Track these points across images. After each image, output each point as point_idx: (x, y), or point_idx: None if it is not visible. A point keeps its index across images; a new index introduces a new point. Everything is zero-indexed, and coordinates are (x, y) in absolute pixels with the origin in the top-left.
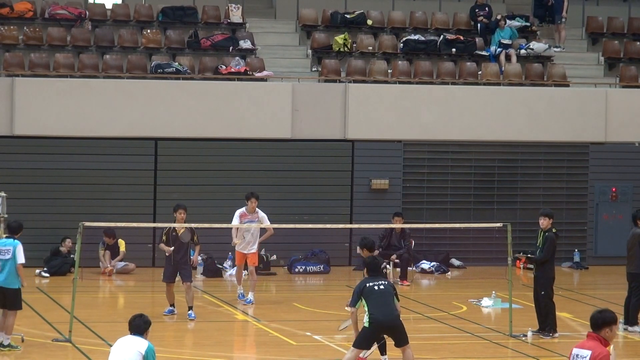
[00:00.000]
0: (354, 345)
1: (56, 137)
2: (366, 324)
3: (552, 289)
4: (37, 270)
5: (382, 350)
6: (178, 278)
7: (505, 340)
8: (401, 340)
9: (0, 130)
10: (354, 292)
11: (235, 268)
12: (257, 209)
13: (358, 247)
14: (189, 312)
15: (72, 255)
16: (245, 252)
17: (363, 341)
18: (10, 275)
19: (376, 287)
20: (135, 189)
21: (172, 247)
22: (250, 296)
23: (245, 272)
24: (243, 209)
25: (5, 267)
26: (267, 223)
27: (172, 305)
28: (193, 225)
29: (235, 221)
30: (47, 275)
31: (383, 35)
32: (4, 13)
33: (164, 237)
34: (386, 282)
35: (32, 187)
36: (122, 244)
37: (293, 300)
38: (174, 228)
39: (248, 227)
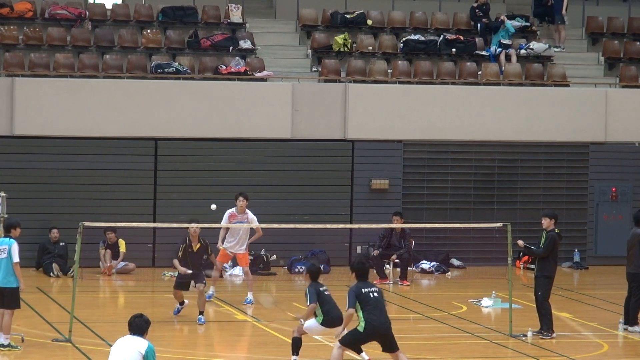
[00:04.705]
0: (342, 343)
1: (56, 137)
2: (360, 329)
3: (550, 290)
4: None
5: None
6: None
7: (505, 340)
8: (392, 346)
9: (0, 130)
10: (350, 294)
11: (235, 268)
12: (247, 210)
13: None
14: (199, 316)
15: (61, 244)
16: (233, 251)
17: (352, 343)
18: (7, 274)
19: (371, 295)
20: (135, 189)
21: (190, 272)
22: (249, 296)
23: (236, 272)
24: (233, 210)
25: (1, 266)
26: (256, 224)
27: (182, 303)
28: (193, 225)
29: (225, 222)
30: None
31: (383, 35)
32: (4, 13)
33: (180, 254)
34: (377, 289)
35: (32, 187)
36: (122, 244)
37: (293, 300)
38: (191, 245)
39: (239, 227)
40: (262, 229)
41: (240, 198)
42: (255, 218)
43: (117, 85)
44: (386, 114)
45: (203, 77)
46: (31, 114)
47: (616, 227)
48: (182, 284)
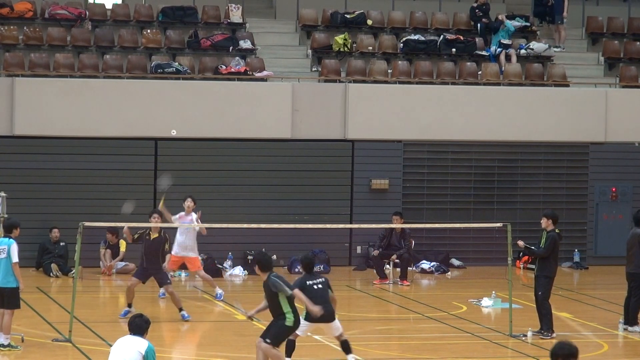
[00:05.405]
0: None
1: (56, 137)
2: (290, 324)
3: (550, 290)
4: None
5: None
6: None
7: (505, 340)
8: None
9: (0, 130)
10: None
11: (235, 268)
12: (193, 212)
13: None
14: (181, 313)
15: (62, 244)
16: (182, 256)
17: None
18: (7, 274)
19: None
20: (135, 189)
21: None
22: (217, 290)
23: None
24: (182, 213)
25: (1, 266)
26: (200, 224)
27: (130, 305)
28: (173, 226)
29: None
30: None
31: (383, 35)
32: (4, 13)
33: (136, 235)
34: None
35: (32, 187)
36: (122, 244)
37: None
38: (149, 232)
39: (187, 226)
40: (262, 229)
41: (188, 199)
42: (196, 217)
43: (117, 85)
44: (386, 114)
45: (203, 77)
46: (31, 114)
47: (616, 227)
48: (139, 273)
